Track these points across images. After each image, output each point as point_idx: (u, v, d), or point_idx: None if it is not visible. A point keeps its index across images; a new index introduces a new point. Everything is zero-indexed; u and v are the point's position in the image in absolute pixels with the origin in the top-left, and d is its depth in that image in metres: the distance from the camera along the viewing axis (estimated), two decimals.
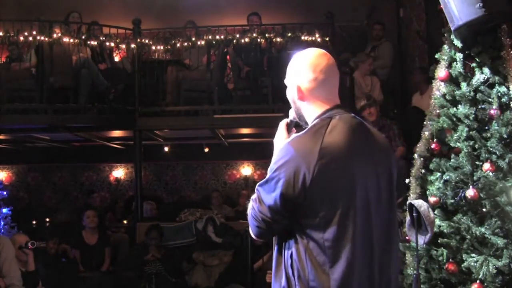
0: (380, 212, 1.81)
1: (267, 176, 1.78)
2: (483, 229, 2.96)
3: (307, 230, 1.73)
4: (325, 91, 1.89)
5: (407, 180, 3.37)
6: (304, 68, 1.89)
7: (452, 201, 3.11)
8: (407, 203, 3.14)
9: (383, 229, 1.82)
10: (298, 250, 1.74)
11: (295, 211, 1.74)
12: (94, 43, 6.64)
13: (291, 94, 1.96)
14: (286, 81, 1.98)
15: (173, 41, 7.06)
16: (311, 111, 1.90)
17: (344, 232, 1.71)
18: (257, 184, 1.83)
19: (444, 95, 3.24)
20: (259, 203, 1.79)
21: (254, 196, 1.83)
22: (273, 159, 1.81)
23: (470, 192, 2.99)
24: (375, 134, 1.92)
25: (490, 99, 3.04)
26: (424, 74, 5.47)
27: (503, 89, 3.01)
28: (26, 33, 6.21)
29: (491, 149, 2.99)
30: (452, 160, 3.13)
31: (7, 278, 4.20)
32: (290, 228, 1.77)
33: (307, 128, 1.85)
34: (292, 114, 2.02)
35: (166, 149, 9.70)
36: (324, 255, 1.70)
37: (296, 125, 2.04)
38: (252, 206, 1.82)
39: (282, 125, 2.03)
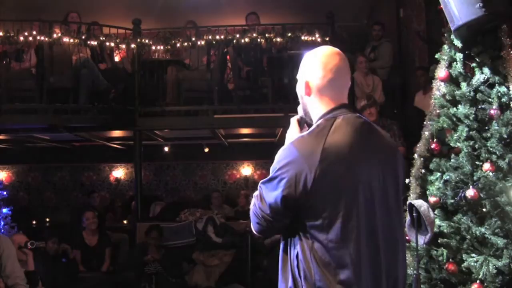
0: (386, 212, 1.81)
1: (270, 175, 1.79)
2: (483, 229, 2.96)
3: (311, 231, 1.73)
4: (333, 90, 1.89)
5: (407, 180, 3.37)
6: (315, 65, 1.89)
7: (452, 201, 3.11)
8: (407, 203, 3.14)
9: (390, 230, 1.82)
10: (303, 251, 1.73)
11: (298, 211, 1.73)
12: (94, 43, 6.63)
13: (298, 89, 1.96)
14: (297, 76, 1.98)
15: (173, 41, 7.06)
16: (317, 109, 1.90)
17: (347, 233, 1.71)
18: (260, 181, 1.83)
19: (444, 95, 3.24)
20: (260, 200, 1.80)
21: (256, 193, 1.84)
22: (276, 158, 1.81)
23: (470, 192, 2.98)
24: (380, 134, 1.91)
25: (490, 99, 3.03)
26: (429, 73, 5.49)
27: (503, 89, 3.00)
28: (26, 33, 6.21)
29: (491, 149, 2.98)
30: (452, 160, 3.12)
31: (11, 278, 4.17)
32: (295, 228, 1.77)
33: (311, 128, 1.85)
34: (300, 110, 2.01)
35: (166, 149, 9.70)
36: (328, 256, 1.70)
37: (306, 122, 2.03)
38: (253, 202, 1.83)
39: (294, 121, 2.02)
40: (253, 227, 1.86)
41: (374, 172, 1.80)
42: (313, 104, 1.91)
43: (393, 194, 1.85)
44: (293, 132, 1.99)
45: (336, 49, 1.92)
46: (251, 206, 1.86)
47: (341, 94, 1.90)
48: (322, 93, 1.88)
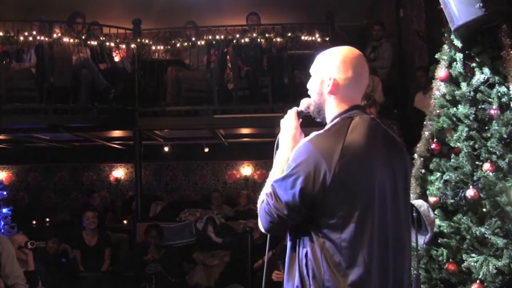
0: (396, 212, 1.82)
1: (285, 173, 1.77)
2: (483, 229, 2.96)
3: (324, 230, 1.72)
4: (354, 91, 1.91)
5: None
6: (344, 64, 1.88)
7: (452, 201, 3.11)
8: None
9: (398, 229, 1.82)
10: (313, 249, 1.73)
11: (313, 209, 1.73)
12: (94, 43, 6.63)
13: (317, 86, 1.93)
14: (313, 71, 1.95)
15: (173, 41, 7.07)
16: (334, 108, 1.89)
17: (361, 233, 1.71)
18: (272, 180, 1.82)
19: (444, 95, 3.24)
20: (275, 199, 1.77)
21: (268, 191, 1.81)
22: (292, 156, 1.79)
23: (470, 192, 2.99)
24: (392, 135, 1.93)
25: (490, 99, 3.04)
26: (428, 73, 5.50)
27: (503, 89, 3.01)
28: (26, 33, 6.21)
29: (491, 149, 2.99)
30: (452, 160, 3.13)
31: (11, 278, 4.18)
32: (305, 226, 1.76)
33: (326, 127, 1.85)
34: (304, 104, 2.00)
35: (166, 149, 9.70)
36: (340, 255, 1.70)
37: (304, 116, 2.02)
38: (266, 201, 1.80)
39: (292, 112, 2.01)
40: (263, 225, 1.83)
41: (387, 172, 1.82)
42: (332, 102, 1.90)
43: (402, 194, 1.87)
44: (289, 123, 1.98)
45: (359, 52, 1.94)
46: (261, 205, 1.83)
47: (359, 95, 1.93)
48: (344, 93, 1.88)
